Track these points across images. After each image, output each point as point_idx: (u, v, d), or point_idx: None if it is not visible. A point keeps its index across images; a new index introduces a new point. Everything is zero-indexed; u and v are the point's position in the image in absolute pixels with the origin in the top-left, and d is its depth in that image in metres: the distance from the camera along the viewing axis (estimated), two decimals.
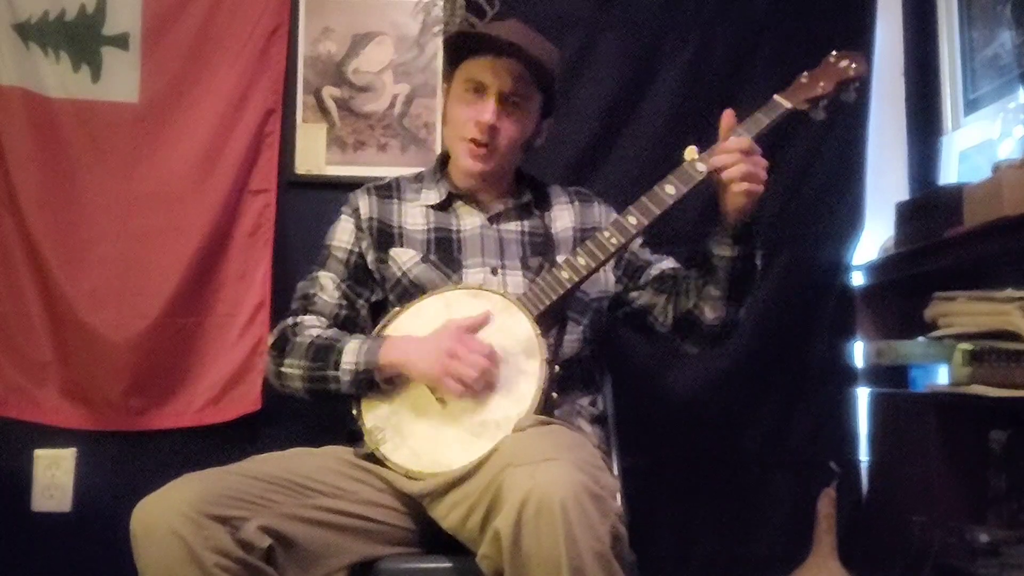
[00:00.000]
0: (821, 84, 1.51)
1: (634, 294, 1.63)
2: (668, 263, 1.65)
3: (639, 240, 1.63)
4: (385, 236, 1.59)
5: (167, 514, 1.18)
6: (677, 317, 1.57)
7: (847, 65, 1.53)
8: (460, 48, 1.60)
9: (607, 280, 1.62)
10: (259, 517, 1.23)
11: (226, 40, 2.08)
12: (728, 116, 1.45)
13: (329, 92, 2.16)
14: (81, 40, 2.05)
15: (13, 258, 1.99)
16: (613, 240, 1.46)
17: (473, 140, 1.55)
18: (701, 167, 1.46)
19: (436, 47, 2.14)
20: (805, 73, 1.54)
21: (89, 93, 2.04)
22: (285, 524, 1.26)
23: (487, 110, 1.53)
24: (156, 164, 2.05)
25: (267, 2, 2.10)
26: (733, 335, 1.57)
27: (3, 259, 1.99)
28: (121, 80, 2.06)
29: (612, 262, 1.56)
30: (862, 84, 1.57)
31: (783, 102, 1.50)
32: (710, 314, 1.52)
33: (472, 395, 1.36)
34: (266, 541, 1.22)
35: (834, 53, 1.55)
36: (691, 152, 1.48)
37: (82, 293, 1.99)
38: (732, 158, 1.41)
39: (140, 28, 2.07)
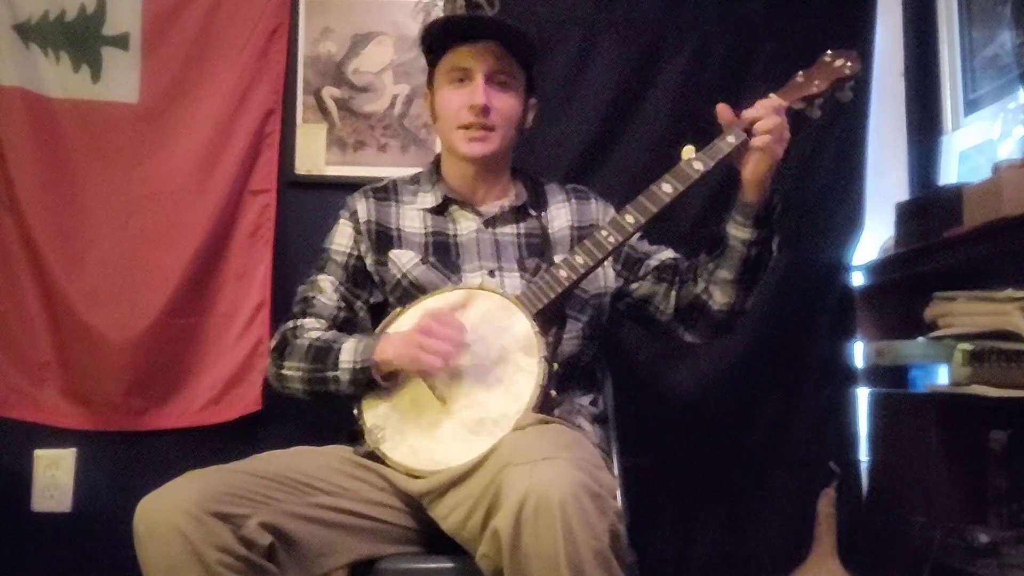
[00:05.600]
0: (816, 83, 1.52)
1: (634, 285, 1.63)
2: (667, 253, 1.65)
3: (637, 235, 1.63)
4: (384, 238, 1.60)
5: (170, 512, 1.18)
6: (683, 304, 1.57)
7: (842, 64, 1.53)
8: (437, 42, 1.60)
9: (606, 276, 1.62)
10: (261, 514, 1.23)
11: (226, 40, 2.09)
12: (724, 109, 1.46)
13: (329, 92, 2.16)
14: (81, 40, 2.05)
15: (13, 258, 2.00)
16: (611, 239, 1.46)
17: (469, 125, 1.55)
18: (698, 165, 1.46)
19: None
20: (800, 72, 1.54)
21: (89, 93, 2.05)
22: (286, 521, 1.26)
23: (477, 92, 1.54)
24: (156, 164, 2.05)
25: (267, 2, 2.11)
26: (737, 324, 1.57)
27: (3, 259, 2.00)
28: (121, 80, 2.06)
29: (610, 259, 1.55)
30: (858, 83, 1.57)
31: (779, 101, 1.49)
32: (720, 298, 1.52)
33: (461, 388, 1.37)
34: (268, 538, 1.22)
35: (829, 52, 1.56)
36: (688, 151, 1.49)
37: (82, 293, 1.99)
38: (766, 111, 1.43)
39: (140, 28, 2.07)
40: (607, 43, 2.16)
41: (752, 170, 1.44)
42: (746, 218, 1.46)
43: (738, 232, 1.47)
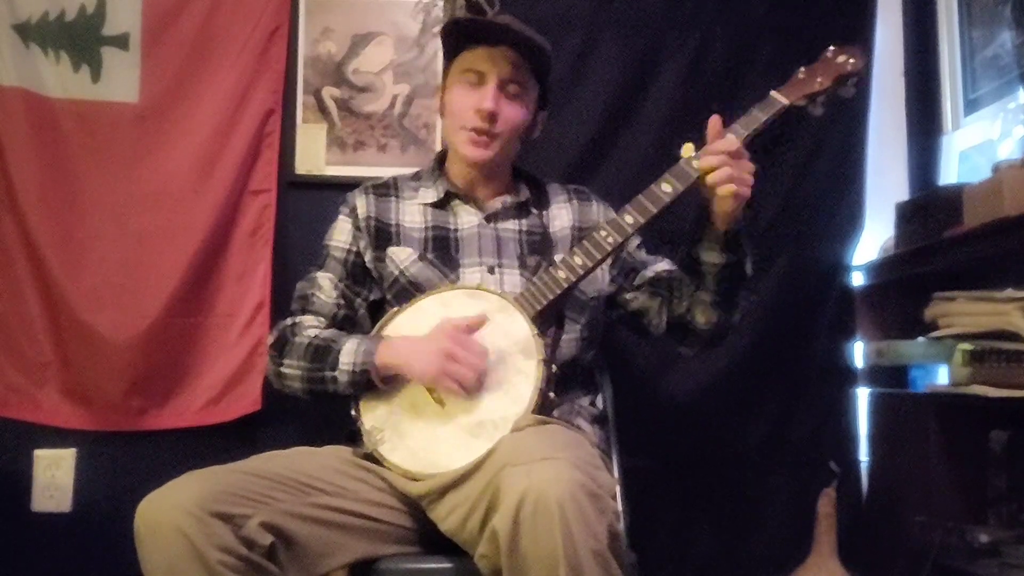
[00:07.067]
0: (819, 79, 1.51)
1: (629, 296, 1.63)
2: (663, 264, 1.65)
3: (636, 240, 1.63)
4: (383, 235, 1.59)
5: (171, 511, 1.18)
6: (671, 321, 1.57)
7: (845, 60, 1.52)
8: (456, 40, 1.60)
9: (603, 279, 1.62)
10: (261, 514, 1.23)
11: (226, 40, 2.08)
12: (715, 122, 1.43)
13: (329, 92, 2.16)
14: (81, 40, 2.05)
15: (13, 258, 1.99)
16: (610, 239, 1.46)
17: (474, 129, 1.54)
18: (698, 164, 1.45)
19: (436, 47, 2.14)
20: (802, 68, 1.53)
21: (89, 93, 2.04)
22: (287, 521, 1.26)
23: (487, 97, 1.53)
24: (156, 164, 2.05)
25: (267, 2, 2.10)
26: (727, 337, 1.57)
27: (3, 259, 1.99)
28: (121, 80, 2.06)
29: (608, 261, 1.55)
30: (860, 79, 1.56)
31: (780, 98, 1.49)
32: (701, 319, 1.52)
33: (467, 395, 1.37)
34: (268, 538, 1.22)
35: (831, 48, 1.54)
36: (688, 149, 1.47)
37: (82, 293, 1.99)
38: (718, 160, 1.39)
39: (140, 28, 2.07)
40: (607, 43, 2.16)
41: (718, 207, 1.42)
42: (712, 243, 1.46)
43: (708, 257, 1.47)
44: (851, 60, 1.52)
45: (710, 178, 1.39)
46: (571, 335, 1.55)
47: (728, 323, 1.53)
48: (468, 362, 1.35)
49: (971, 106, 2.19)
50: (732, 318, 1.53)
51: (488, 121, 1.53)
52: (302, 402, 1.55)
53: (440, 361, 1.35)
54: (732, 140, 1.42)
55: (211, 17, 2.08)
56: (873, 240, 2.22)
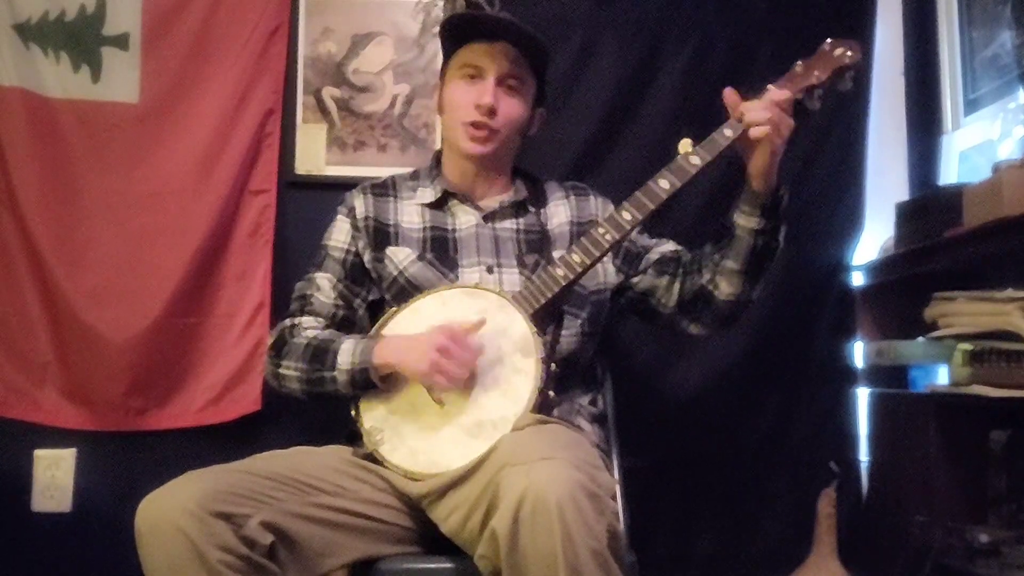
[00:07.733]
0: (816, 73, 1.50)
1: (635, 279, 1.62)
2: (668, 246, 1.65)
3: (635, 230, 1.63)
4: (381, 235, 1.59)
5: (172, 511, 1.18)
6: (687, 295, 1.55)
7: (842, 53, 1.52)
8: (454, 36, 1.60)
9: (606, 272, 1.61)
10: (262, 514, 1.23)
11: (226, 40, 2.08)
12: (731, 93, 1.45)
13: (329, 92, 2.16)
14: (81, 40, 2.05)
15: (13, 258, 1.99)
16: (608, 236, 1.46)
17: (473, 123, 1.55)
18: (695, 160, 1.46)
19: (436, 47, 2.13)
20: (799, 62, 1.52)
21: (89, 93, 2.05)
22: (287, 521, 1.26)
23: (486, 92, 1.53)
24: (156, 164, 2.05)
25: (267, 2, 2.11)
26: (742, 315, 1.56)
27: (3, 259, 1.99)
28: (121, 80, 2.06)
29: (607, 257, 1.55)
30: (858, 72, 1.56)
31: (780, 95, 1.49)
32: (726, 289, 1.51)
33: (460, 391, 1.37)
34: (269, 538, 1.23)
35: (829, 41, 1.54)
36: (685, 145, 1.47)
37: (82, 293, 1.99)
38: (763, 103, 1.42)
39: (140, 28, 2.07)
40: (607, 43, 2.16)
41: (753, 161, 1.44)
42: (753, 207, 1.46)
43: (745, 221, 1.47)
44: (848, 53, 1.52)
45: (749, 117, 1.41)
46: (571, 330, 1.55)
47: (748, 298, 1.52)
48: (461, 358, 1.35)
49: (971, 106, 2.19)
50: (753, 293, 1.53)
51: (487, 116, 1.54)
52: (302, 402, 1.55)
53: (433, 357, 1.35)
54: (782, 91, 1.44)
55: (211, 17, 2.08)
56: (873, 240, 2.22)
